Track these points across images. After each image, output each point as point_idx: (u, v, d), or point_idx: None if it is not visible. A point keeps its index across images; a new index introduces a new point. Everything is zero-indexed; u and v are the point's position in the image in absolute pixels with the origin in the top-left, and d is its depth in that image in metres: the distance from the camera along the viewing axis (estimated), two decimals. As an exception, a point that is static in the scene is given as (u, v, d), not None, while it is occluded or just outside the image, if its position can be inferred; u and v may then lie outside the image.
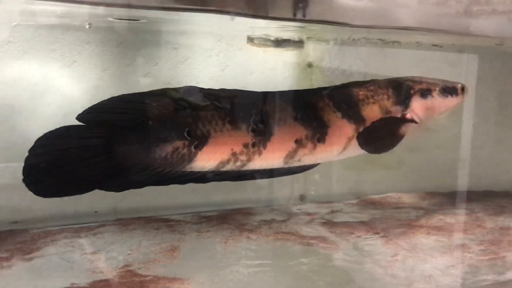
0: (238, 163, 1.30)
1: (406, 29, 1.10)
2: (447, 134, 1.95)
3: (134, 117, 1.24)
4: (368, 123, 1.37)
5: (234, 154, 1.28)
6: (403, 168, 1.95)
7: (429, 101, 1.41)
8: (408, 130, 1.42)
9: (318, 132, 1.33)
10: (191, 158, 1.26)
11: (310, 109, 1.33)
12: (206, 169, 1.29)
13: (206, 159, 1.27)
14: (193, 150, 1.25)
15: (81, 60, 1.54)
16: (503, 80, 2.06)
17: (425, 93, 1.41)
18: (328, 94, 1.37)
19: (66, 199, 1.49)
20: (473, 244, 1.49)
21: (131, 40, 1.58)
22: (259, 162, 1.31)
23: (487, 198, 1.91)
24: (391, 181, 1.95)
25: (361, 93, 1.38)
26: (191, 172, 1.29)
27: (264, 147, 1.29)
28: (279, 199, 1.81)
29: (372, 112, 1.38)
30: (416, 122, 1.41)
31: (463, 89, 1.45)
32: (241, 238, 1.46)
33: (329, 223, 1.61)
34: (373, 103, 1.38)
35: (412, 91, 1.41)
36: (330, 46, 1.76)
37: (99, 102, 1.24)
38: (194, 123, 1.25)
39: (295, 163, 1.36)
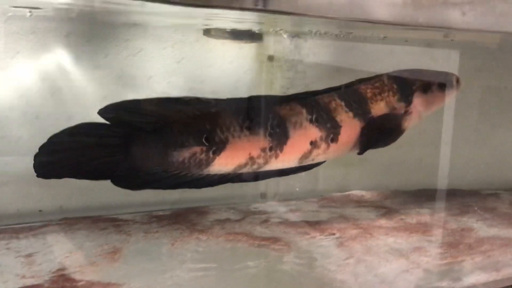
0: (255, 166, 1.30)
1: (353, 20, 1.00)
2: (415, 131, 1.86)
3: (153, 120, 1.23)
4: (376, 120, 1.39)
5: (251, 158, 1.28)
6: (368, 165, 1.86)
7: (429, 96, 1.43)
8: (408, 124, 1.44)
9: (332, 132, 1.34)
10: (208, 163, 1.25)
11: (323, 110, 1.33)
12: (222, 172, 1.29)
13: (224, 164, 1.27)
14: (211, 155, 1.25)
15: (25, 51, 1.43)
16: (475, 76, 1.97)
17: (426, 88, 1.42)
18: (339, 94, 1.37)
19: (8, 197, 1.40)
20: (431, 247, 1.40)
21: (80, 31, 1.48)
22: (275, 164, 1.32)
23: (453, 197, 1.83)
24: (356, 178, 1.86)
25: (369, 91, 1.39)
26: (207, 175, 1.28)
27: (281, 150, 1.30)
28: (238, 197, 1.72)
29: (380, 109, 1.39)
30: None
31: (457, 81, 1.46)
32: (190, 239, 1.37)
33: (285, 223, 1.52)
34: (381, 100, 1.39)
35: (414, 87, 1.42)
36: (292, 39, 1.67)
37: (121, 101, 1.24)
38: (213, 129, 1.24)
39: (308, 163, 1.37)
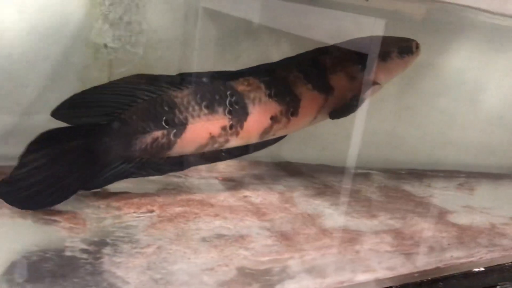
0: (216, 145, 1.22)
1: None
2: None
3: (110, 110, 1.11)
4: (336, 91, 1.30)
5: (212, 137, 1.19)
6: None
7: (389, 63, 1.36)
8: (369, 93, 1.36)
9: (292, 106, 1.26)
10: (170, 146, 1.16)
11: (282, 84, 1.25)
12: (184, 154, 1.20)
13: (185, 145, 1.17)
14: (172, 138, 1.15)
15: None
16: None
17: (385, 56, 1.35)
18: (297, 66, 1.28)
19: None
20: (261, 236, 1.11)
21: None
22: (236, 142, 1.23)
23: (318, 174, 1.54)
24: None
25: (328, 61, 1.31)
26: (168, 158, 1.18)
27: (241, 127, 1.21)
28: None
29: (339, 80, 1.30)
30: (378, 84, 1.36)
31: (417, 46, 1.38)
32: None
33: (103, 194, 1.20)
34: (340, 70, 1.31)
35: (374, 55, 1.34)
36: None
37: (70, 97, 1.07)
38: (171, 111, 1.14)
39: (269, 137, 1.29)
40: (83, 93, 1.09)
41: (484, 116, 1.92)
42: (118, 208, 1.15)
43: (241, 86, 1.21)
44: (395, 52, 1.36)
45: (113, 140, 1.11)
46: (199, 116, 1.16)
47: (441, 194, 1.56)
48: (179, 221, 1.13)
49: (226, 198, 1.27)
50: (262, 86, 1.23)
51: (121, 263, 0.94)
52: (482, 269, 1.13)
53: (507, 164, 2.00)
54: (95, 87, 1.10)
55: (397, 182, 1.61)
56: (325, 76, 1.29)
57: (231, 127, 1.20)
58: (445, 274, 1.07)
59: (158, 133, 1.13)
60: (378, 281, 1.01)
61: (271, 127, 1.25)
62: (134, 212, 1.14)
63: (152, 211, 1.16)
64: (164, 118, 1.14)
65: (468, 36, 1.78)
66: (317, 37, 1.48)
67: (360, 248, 1.12)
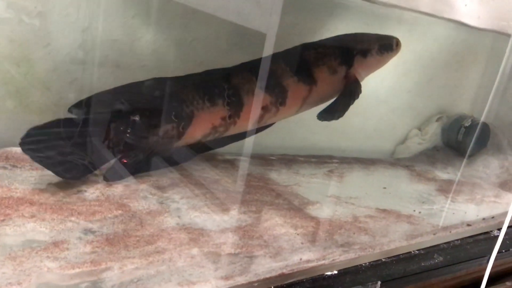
0: (217, 134, 1.26)
1: None
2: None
3: (127, 108, 1.14)
4: (318, 83, 1.32)
5: (214, 127, 1.23)
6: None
7: (369, 59, 1.38)
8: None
9: (280, 97, 1.29)
10: (179, 137, 1.20)
11: (271, 76, 1.27)
12: (189, 144, 1.25)
13: (191, 136, 1.22)
14: (181, 130, 1.19)
15: None
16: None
17: (366, 52, 1.37)
18: (284, 60, 1.30)
19: None
20: (81, 242, 0.90)
21: None
22: (233, 130, 1.27)
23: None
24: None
25: (312, 56, 1.33)
26: (176, 150, 1.23)
27: (238, 117, 1.25)
28: None
29: (322, 73, 1.33)
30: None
31: (397, 44, 1.40)
32: None
33: None
34: (323, 64, 1.33)
35: (355, 52, 1.37)
36: None
37: (91, 96, 1.11)
38: (179, 105, 1.18)
39: (260, 125, 1.33)
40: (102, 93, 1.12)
41: (363, 101, 1.79)
42: None
43: (236, 80, 1.25)
44: (375, 49, 1.38)
45: (128, 134, 1.15)
46: (202, 109, 1.20)
47: (307, 182, 1.41)
48: (-20, 223, 0.89)
49: (54, 193, 1.04)
50: (254, 79, 1.26)
51: None
52: (335, 272, 0.97)
53: (382, 149, 1.90)
54: (113, 89, 1.13)
55: (264, 169, 1.44)
56: (310, 69, 1.32)
57: (229, 117, 1.23)
58: (291, 280, 0.91)
59: (168, 127, 1.17)
60: (208, 294, 0.82)
61: (262, 116, 1.28)
62: None
63: None
64: (173, 112, 1.17)
65: (347, 17, 1.64)
66: (205, 10, 1.32)
67: (197, 252, 0.93)
